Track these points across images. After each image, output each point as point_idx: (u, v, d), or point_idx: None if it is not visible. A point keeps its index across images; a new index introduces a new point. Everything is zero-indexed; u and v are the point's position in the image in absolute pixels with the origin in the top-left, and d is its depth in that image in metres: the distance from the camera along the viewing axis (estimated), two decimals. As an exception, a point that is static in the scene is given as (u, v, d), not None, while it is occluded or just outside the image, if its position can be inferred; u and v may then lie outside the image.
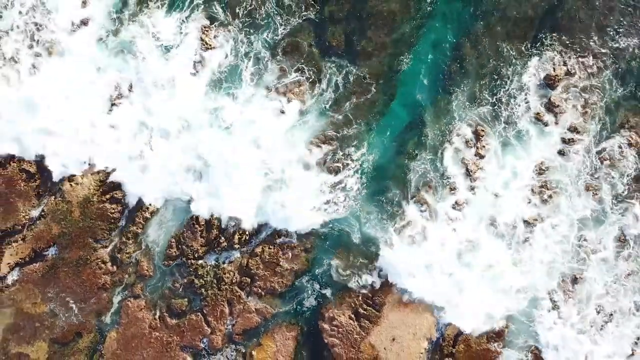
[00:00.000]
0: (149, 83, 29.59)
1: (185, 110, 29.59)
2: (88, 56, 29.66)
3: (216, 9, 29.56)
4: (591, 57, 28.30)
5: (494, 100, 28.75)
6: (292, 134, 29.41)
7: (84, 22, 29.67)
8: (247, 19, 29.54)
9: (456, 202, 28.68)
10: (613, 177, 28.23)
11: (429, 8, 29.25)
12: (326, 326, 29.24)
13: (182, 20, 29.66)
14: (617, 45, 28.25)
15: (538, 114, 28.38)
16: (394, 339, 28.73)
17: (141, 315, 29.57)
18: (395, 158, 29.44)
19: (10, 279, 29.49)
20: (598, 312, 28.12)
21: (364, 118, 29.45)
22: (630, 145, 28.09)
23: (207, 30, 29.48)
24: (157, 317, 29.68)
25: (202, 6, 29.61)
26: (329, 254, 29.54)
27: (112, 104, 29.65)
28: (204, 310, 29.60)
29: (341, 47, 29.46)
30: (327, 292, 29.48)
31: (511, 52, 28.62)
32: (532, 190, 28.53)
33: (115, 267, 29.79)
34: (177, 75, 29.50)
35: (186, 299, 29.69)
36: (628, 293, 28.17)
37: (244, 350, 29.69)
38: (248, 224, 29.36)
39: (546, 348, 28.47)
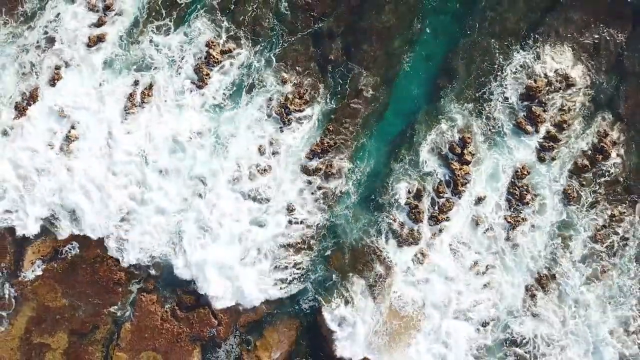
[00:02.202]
0: (158, 101, 31.41)
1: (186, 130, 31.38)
2: (98, 75, 31.43)
3: (222, 25, 31.30)
4: (571, 68, 30.24)
5: (479, 107, 30.55)
6: (291, 151, 31.16)
7: (101, 39, 31.34)
8: (250, 33, 31.35)
9: (443, 205, 30.50)
10: (587, 182, 30.17)
11: (420, 23, 31.15)
12: (324, 318, 31.09)
13: (188, 36, 31.35)
14: (595, 59, 30.22)
15: (520, 122, 30.32)
16: (387, 332, 30.65)
17: (153, 308, 31.36)
18: (387, 164, 31.29)
19: (32, 275, 31.32)
20: (575, 308, 30.10)
21: (361, 128, 31.31)
22: (604, 152, 30.01)
23: (214, 46, 31.27)
24: (168, 310, 31.44)
25: (208, 22, 31.31)
26: (321, 264, 31.35)
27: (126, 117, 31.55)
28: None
29: (339, 60, 31.26)
30: (323, 294, 31.21)
31: (496, 63, 30.51)
32: (514, 193, 30.39)
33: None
34: (184, 93, 31.25)
35: (195, 294, 31.42)
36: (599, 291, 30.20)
37: (248, 341, 31.37)
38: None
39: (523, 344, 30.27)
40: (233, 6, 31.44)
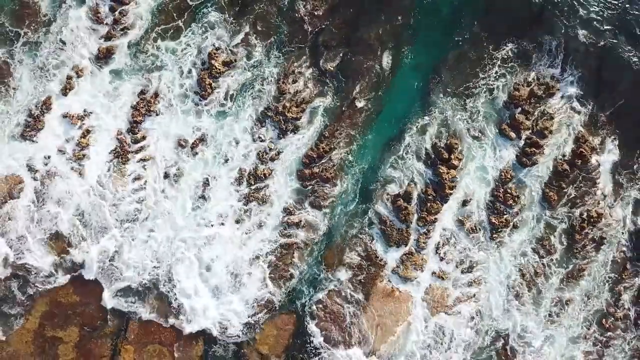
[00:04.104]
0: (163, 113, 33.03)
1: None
2: (107, 83, 32.99)
3: (223, 38, 32.70)
4: (553, 77, 31.71)
5: (467, 116, 31.97)
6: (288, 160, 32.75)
7: (110, 51, 32.69)
8: (254, 36, 32.73)
9: (431, 207, 31.93)
10: (567, 185, 31.56)
11: (410, 36, 32.71)
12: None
13: (194, 34, 32.67)
14: (577, 67, 31.71)
15: (503, 129, 31.81)
16: (378, 326, 32.28)
17: (159, 304, 33.10)
18: (380, 164, 32.75)
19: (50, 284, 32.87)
20: (555, 304, 31.70)
21: (356, 133, 32.76)
22: (583, 156, 31.35)
23: (216, 56, 32.76)
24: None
25: (211, 31, 32.61)
26: (315, 263, 32.87)
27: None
28: (214, 300, 32.96)
29: (336, 68, 32.64)
30: (320, 294, 32.63)
31: (482, 73, 32.02)
32: (498, 195, 31.83)
33: (137, 263, 33.21)
34: (188, 100, 32.77)
35: (197, 291, 32.92)
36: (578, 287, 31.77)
37: (248, 336, 32.70)
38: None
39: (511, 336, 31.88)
40: (238, 7, 32.83)
